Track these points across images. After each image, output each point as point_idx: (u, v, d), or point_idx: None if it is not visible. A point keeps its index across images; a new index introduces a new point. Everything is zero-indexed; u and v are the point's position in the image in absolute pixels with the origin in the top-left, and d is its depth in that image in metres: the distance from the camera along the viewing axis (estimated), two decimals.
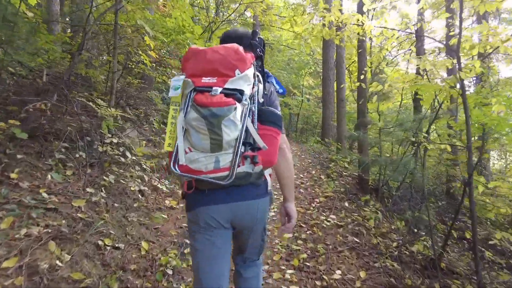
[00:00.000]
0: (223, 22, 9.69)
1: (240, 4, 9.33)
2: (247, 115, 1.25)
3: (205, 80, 1.24)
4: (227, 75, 1.23)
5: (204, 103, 1.17)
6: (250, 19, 13.82)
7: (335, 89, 10.00)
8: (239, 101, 1.22)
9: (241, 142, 1.23)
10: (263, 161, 1.30)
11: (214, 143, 1.21)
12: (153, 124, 5.06)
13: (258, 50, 1.46)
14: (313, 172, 6.21)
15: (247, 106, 1.25)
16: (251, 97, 1.29)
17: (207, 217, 1.35)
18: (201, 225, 1.36)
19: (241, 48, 1.28)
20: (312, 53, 15.18)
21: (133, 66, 4.89)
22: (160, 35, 4.16)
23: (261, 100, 1.37)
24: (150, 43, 3.94)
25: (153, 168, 4.12)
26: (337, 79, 7.08)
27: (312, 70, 14.95)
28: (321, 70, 11.58)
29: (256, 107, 1.32)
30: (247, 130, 1.26)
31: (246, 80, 1.26)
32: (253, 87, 1.30)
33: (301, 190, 5.09)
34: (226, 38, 1.52)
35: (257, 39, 1.51)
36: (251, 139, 1.29)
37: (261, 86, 1.38)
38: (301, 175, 5.98)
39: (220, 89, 1.21)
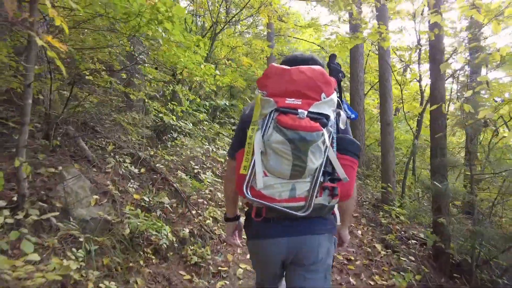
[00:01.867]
0: (229, 22, 8.14)
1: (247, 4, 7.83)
2: (330, 142, 1.18)
3: (289, 101, 1.17)
4: (313, 98, 1.18)
5: (292, 126, 1.10)
6: (264, 29, 12.27)
7: (365, 107, 8.23)
8: (325, 126, 1.16)
9: (321, 171, 1.16)
10: (341, 194, 1.20)
11: (296, 169, 1.13)
12: (123, 164, 3.41)
13: (339, 75, 1.41)
14: (359, 232, 4.18)
15: (331, 132, 1.20)
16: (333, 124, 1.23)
17: (269, 250, 1.31)
18: (261, 258, 1.38)
19: (325, 71, 1.23)
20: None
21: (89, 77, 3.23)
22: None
23: (343, 127, 1.30)
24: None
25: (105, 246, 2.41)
26: (381, 96, 5.43)
27: None
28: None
29: (335, 135, 1.24)
30: (327, 159, 1.18)
31: (330, 105, 1.21)
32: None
33: (351, 280, 3.12)
34: (291, 60, 1.39)
35: (336, 63, 1.45)
36: (330, 168, 1.19)
37: (342, 113, 1.32)
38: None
39: (306, 112, 1.14)
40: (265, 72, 1.27)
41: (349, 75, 9.29)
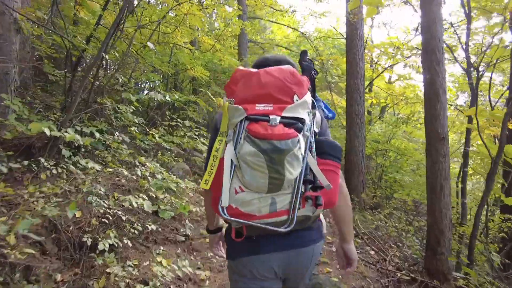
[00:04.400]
0: None
1: None
2: (307, 148, 1.07)
3: (260, 107, 1.06)
4: (284, 101, 1.07)
5: (263, 135, 1.00)
6: (234, 3, 9.81)
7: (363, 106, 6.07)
8: (300, 131, 1.05)
9: (302, 181, 1.04)
10: (325, 202, 1.08)
11: (274, 182, 1.02)
12: None
13: (312, 72, 1.29)
14: None
15: (308, 137, 1.08)
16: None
17: (255, 267, 1.19)
18: (248, 276, 1.21)
19: (296, 70, 1.14)
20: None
21: None
22: None
23: (317, 129, 1.20)
24: None
25: None
26: (427, 98, 3.25)
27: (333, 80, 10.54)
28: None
29: (313, 138, 1.12)
30: (307, 166, 1.07)
31: (304, 107, 1.10)
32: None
33: None
34: (263, 63, 1.30)
35: (308, 60, 1.32)
36: (311, 176, 1.07)
37: (317, 113, 1.22)
38: None
39: (279, 118, 1.03)
40: (231, 77, 1.15)
41: (346, 67, 7.14)
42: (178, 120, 6.16)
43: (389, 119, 10.24)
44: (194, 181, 5.04)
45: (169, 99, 3.80)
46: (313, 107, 1.20)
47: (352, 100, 6.64)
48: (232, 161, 1.04)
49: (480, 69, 4.80)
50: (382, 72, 8.14)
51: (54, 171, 2.88)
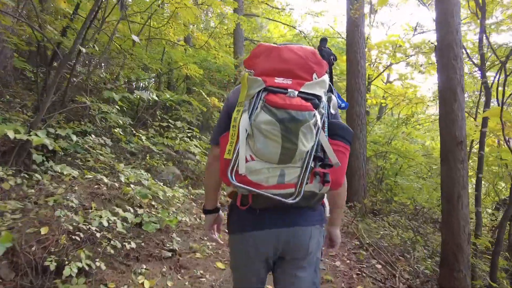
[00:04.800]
0: None
1: None
2: (321, 125, 1.08)
3: (279, 80, 1.08)
4: (304, 78, 1.09)
5: (282, 105, 1.01)
6: None
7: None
8: (316, 107, 1.07)
9: (312, 156, 1.06)
10: (332, 181, 1.09)
11: (286, 153, 1.03)
12: None
13: (332, 57, 1.26)
14: None
15: (323, 115, 1.10)
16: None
17: (257, 242, 1.19)
18: (245, 253, 1.22)
19: (316, 51, 1.16)
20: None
21: None
22: None
23: (334, 111, 1.20)
24: None
25: None
26: (443, 99, 2.86)
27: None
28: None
29: (327, 119, 1.14)
30: (318, 143, 1.08)
31: (322, 86, 1.12)
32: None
33: None
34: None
35: (327, 47, 1.30)
36: (321, 153, 1.08)
37: (333, 96, 1.20)
38: None
39: (297, 92, 1.05)
40: (253, 51, 1.17)
41: (344, 72, 6.82)
42: (170, 120, 5.79)
43: (388, 120, 9.96)
44: (185, 187, 4.68)
45: (157, 98, 3.43)
46: (330, 90, 1.19)
47: (353, 100, 6.31)
48: (246, 130, 1.04)
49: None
50: (383, 71, 7.84)
51: (19, 180, 2.50)
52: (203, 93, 6.12)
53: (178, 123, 5.72)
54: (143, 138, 4.05)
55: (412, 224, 4.67)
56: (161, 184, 4.02)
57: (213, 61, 8.40)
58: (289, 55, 1.10)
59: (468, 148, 3.84)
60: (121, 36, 5.03)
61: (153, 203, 3.40)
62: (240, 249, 1.25)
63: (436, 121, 9.54)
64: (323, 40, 1.33)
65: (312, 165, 1.06)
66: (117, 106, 4.30)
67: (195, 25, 11.16)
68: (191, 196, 3.89)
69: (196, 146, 5.68)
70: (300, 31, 10.48)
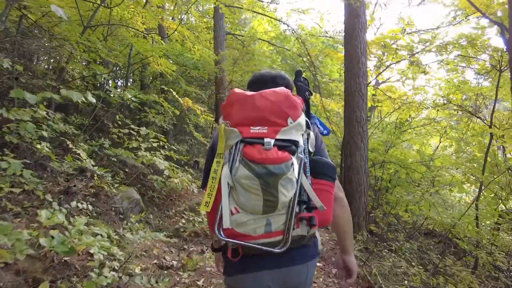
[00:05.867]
0: None
1: None
2: (301, 170, 1.10)
3: (255, 130, 1.09)
4: (279, 124, 1.10)
5: (258, 159, 1.02)
6: None
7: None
8: (293, 154, 1.08)
9: (296, 202, 1.08)
10: (319, 221, 1.11)
11: (268, 204, 1.05)
12: None
13: (306, 93, 1.30)
14: None
15: (302, 159, 1.11)
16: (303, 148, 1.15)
17: (250, 285, 1.19)
18: None
19: (290, 93, 1.17)
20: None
21: None
22: None
23: (312, 149, 1.22)
24: None
25: None
26: None
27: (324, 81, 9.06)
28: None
29: (308, 159, 1.16)
30: (301, 188, 1.10)
31: (298, 129, 1.13)
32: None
33: None
34: (259, 80, 1.35)
35: (302, 80, 1.35)
36: (305, 196, 1.10)
37: (311, 134, 1.22)
38: None
39: (273, 141, 1.07)
40: (227, 98, 1.18)
41: (344, 65, 5.88)
42: (132, 126, 4.65)
43: (380, 126, 9.14)
44: (143, 222, 3.57)
45: (93, 100, 2.33)
46: (307, 127, 1.20)
47: (353, 103, 5.36)
48: (228, 183, 1.05)
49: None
50: (383, 70, 6.98)
51: None
52: (174, 93, 5.00)
53: (143, 130, 4.59)
54: (83, 155, 2.91)
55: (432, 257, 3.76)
56: (110, 218, 2.92)
57: (190, 56, 7.28)
58: (262, 102, 1.10)
59: None
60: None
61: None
62: None
63: (429, 125, 8.88)
64: (298, 73, 1.32)
65: (297, 210, 1.07)
66: (51, 112, 3.15)
67: (172, 17, 9.98)
68: (149, 238, 2.78)
69: (165, 159, 4.58)
70: (287, 25, 9.51)
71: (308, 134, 1.19)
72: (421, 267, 3.87)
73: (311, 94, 1.32)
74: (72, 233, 2.08)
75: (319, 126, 1.36)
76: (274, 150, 1.03)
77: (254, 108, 1.10)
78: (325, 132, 1.34)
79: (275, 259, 1.15)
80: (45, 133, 2.62)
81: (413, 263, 4.05)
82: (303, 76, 1.35)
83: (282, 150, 1.05)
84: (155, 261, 2.96)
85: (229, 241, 1.05)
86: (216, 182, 1.08)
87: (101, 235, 2.34)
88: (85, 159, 2.92)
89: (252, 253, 1.14)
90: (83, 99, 2.41)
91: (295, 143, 1.09)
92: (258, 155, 1.01)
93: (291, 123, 1.10)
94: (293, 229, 1.06)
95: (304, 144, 1.15)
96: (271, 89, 1.16)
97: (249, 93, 1.16)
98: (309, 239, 1.22)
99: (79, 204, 2.66)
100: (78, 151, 2.89)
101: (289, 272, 1.18)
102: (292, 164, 1.03)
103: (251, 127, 1.08)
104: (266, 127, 1.08)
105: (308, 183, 1.11)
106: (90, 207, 2.80)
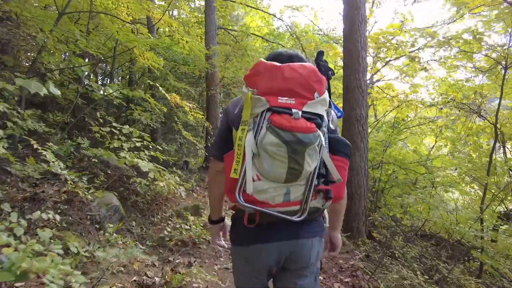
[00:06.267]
0: None
1: None
2: (323, 144, 1.12)
3: (282, 100, 1.08)
4: (306, 97, 1.10)
5: (288, 127, 1.03)
6: None
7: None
8: (319, 127, 1.10)
9: (316, 174, 1.11)
10: (334, 196, 1.15)
11: (292, 173, 1.06)
12: None
13: (329, 72, 1.26)
14: None
15: (325, 133, 1.14)
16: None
17: (262, 255, 1.22)
18: (254, 266, 1.25)
19: (317, 69, 1.16)
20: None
21: None
22: None
23: (333, 127, 1.24)
24: None
25: None
26: None
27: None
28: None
29: (327, 135, 1.17)
30: (321, 161, 1.13)
31: (323, 105, 1.14)
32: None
33: None
34: (276, 57, 1.28)
35: (324, 60, 1.30)
36: (324, 170, 1.13)
37: (333, 112, 1.26)
38: None
39: (300, 112, 1.07)
40: (254, 68, 1.16)
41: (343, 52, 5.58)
42: (114, 124, 4.24)
43: (380, 124, 8.88)
44: (124, 229, 3.18)
45: (57, 92, 1.95)
46: (329, 105, 1.21)
47: (353, 100, 5.05)
48: (251, 150, 1.05)
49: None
50: (383, 67, 6.70)
51: None
52: (161, 89, 4.61)
53: (125, 128, 4.19)
54: (50, 156, 2.52)
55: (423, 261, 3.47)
56: (87, 226, 2.54)
57: (179, 50, 6.88)
58: (291, 74, 1.10)
59: None
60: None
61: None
62: (244, 261, 1.27)
63: (424, 124, 8.66)
64: (320, 53, 1.31)
65: (316, 183, 1.10)
66: (20, 108, 2.75)
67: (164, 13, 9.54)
68: (125, 256, 2.38)
69: (150, 160, 4.19)
70: (282, 20, 9.17)
71: (329, 112, 1.20)
72: (427, 277, 3.57)
73: (333, 73, 1.28)
74: (26, 253, 1.69)
75: (334, 109, 1.36)
76: (302, 120, 1.05)
77: (283, 79, 1.09)
78: (338, 114, 1.35)
79: (286, 231, 1.19)
80: (1, 132, 2.22)
81: (417, 272, 3.76)
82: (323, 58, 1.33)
83: (309, 122, 1.06)
84: (134, 278, 2.59)
85: (250, 207, 1.07)
86: (242, 149, 1.08)
87: (65, 252, 1.96)
88: (52, 161, 2.53)
89: (266, 222, 1.16)
90: (45, 91, 2.02)
91: (321, 117, 1.10)
92: (287, 123, 1.02)
93: (317, 97, 1.10)
94: (311, 200, 1.10)
95: (327, 119, 1.16)
96: (299, 63, 1.15)
97: (278, 64, 1.13)
98: (319, 215, 1.24)
99: (44, 215, 2.27)
100: (44, 152, 2.50)
101: (296, 244, 1.21)
102: (319, 135, 1.06)
103: (279, 97, 1.07)
104: (293, 98, 1.08)
105: (329, 158, 1.13)
106: (58, 217, 2.40)
